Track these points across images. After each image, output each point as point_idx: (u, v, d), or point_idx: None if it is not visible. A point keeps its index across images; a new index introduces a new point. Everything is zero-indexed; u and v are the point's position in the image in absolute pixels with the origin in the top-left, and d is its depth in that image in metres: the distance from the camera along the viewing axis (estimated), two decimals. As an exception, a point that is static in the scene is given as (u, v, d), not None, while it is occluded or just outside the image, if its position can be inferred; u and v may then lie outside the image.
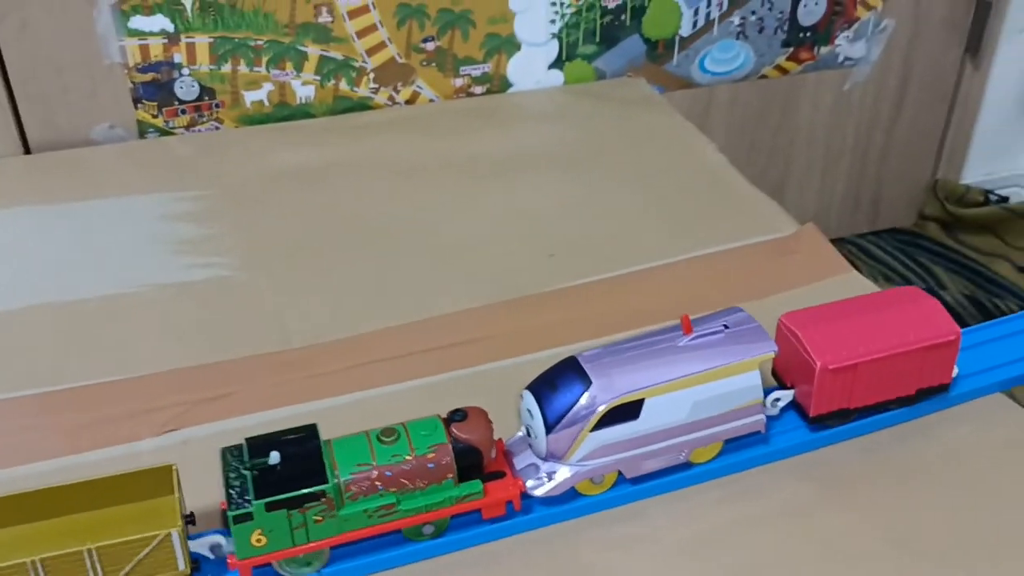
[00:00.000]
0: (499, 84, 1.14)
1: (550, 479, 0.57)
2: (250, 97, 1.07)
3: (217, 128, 1.08)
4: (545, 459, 0.57)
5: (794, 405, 0.63)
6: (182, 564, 0.51)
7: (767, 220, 0.89)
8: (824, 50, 1.26)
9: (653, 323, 0.75)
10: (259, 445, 0.53)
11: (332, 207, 0.93)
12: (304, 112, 1.10)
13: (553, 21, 1.12)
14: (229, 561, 0.53)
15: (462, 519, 0.57)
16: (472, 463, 0.55)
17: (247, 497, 0.51)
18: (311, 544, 0.53)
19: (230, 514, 0.51)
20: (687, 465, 0.60)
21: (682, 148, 1.02)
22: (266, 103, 1.08)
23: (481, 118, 1.09)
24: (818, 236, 0.86)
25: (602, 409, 0.55)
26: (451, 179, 0.97)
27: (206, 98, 1.06)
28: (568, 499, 0.58)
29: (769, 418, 0.61)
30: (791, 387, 0.63)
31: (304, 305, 0.79)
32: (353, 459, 0.53)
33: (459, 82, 1.13)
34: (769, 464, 0.62)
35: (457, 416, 0.55)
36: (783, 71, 1.27)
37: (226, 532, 0.53)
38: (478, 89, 1.14)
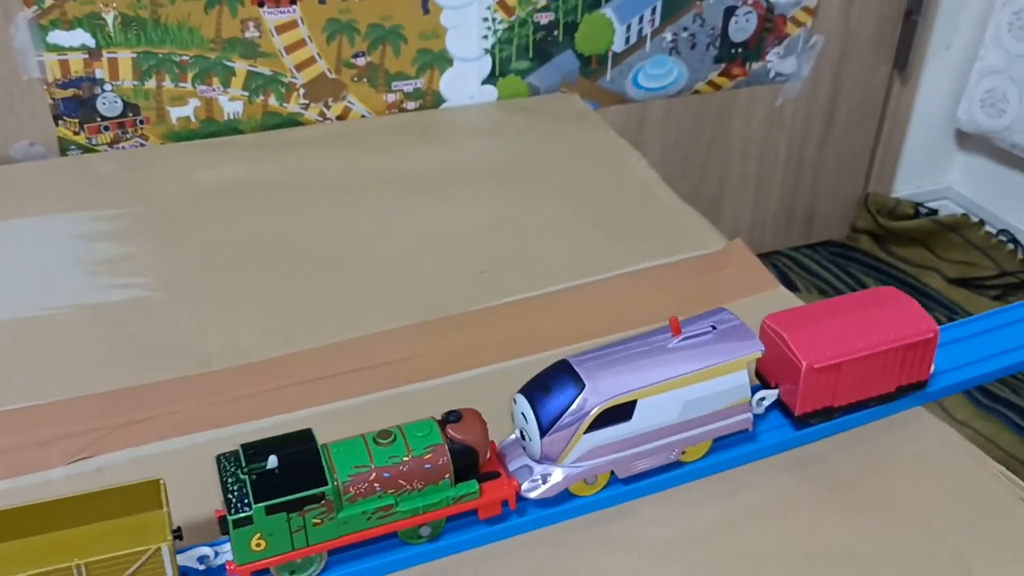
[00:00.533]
0: (432, 99, 1.13)
1: (544, 481, 0.57)
2: (176, 113, 1.05)
3: (142, 145, 1.05)
4: (539, 461, 0.57)
5: (778, 404, 0.64)
6: None
7: (697, 236, 0.89)
8: (756, 66, 1.28)
9: (586, 339, 0.76)
10: (255, 450, 0.52)
11: (260, 225, 0.91)
12: (232, 128, 1.08)
13: (485, 37, 1.12)
14: (228, 568, 0.52)
15: (457, 522, 0.57)
16: (468, 463, 0.55)
17: (246, 501, 0.50)
18: (310, 548, 0.53)
19: (230, 518, 0.50)
20: (677, 464, 0.61)
21: (615, 164, 1.02)
22: (193, 119, 1.06)
23: (414, 134, 1.08)
24: (746, 252, 0.86)
25: (595, 411, 0.56)
26: (383, 196, 0.96)
27: (130, 114, 1.03)
28: (562, 500, 0.59)
29: (754, 416, 0.62)
30: (775, 386, 0.64)
31: (227, 326, 0.77)
32: (351, 461, 0.53)
33: (391, 97, 1.12)
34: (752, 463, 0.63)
35: (452, 417, 0.56)
36: (716, 87, 1.28)
37: (214, 543, 0.53)
38: (411, 105, 1.13)
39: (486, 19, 1.11)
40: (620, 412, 0.57)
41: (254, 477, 0.51)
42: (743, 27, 1.24)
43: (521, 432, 0.58)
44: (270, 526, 0.51)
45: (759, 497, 0.61)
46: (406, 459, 0.53)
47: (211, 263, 0.85)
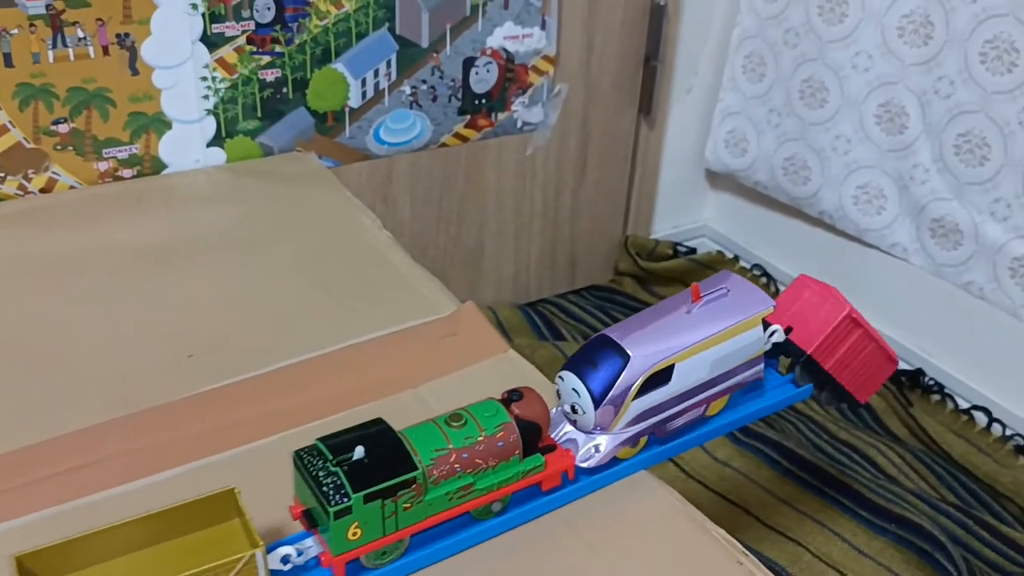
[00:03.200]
0: (152, 165, 1.05)
1: (598, 451, 0.61)
2: None
3: None
4: (590, 432, 0.60)
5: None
6: None
7: (428, 300, 0.85)
8: (502, 116, 1.26)
9: (304, 422, 0.70)
10: (337, 443, 0.53)
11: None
12: (-87, 208, 0.95)
13: (206, 97, 1.05)
14: (322, 560, 0.53)
15: (519, 495, 0.60)
16: (534, 438, 0.58)
17: (344, 491, 0.51)
18: (399, 532, 0.55)
19: (332, 509, 0.51)
20: (704, 420, 0.65)
21: (347, 227, 0.97)
22: None
23: (129, 204, 1.00)
24: (476, 315, 0.83)
25: (642, 379, 0.59)
26: (91, 274, 0.87)
27: None
28: (611, 464, 0.62)
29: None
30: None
31: None
32: (430, 445, 0.55)
33: (103, 166, 1.02)
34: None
35: (515, 396, 0.58)
36: (463, 139, 1.25)
37: (293, 542, 0.54)
38: (127, 172, 1.04)
39: (204, 78, 1.04)
40: (661, 377, 0.60)
41: (346, 468, 0.52)
42: (484, 78, 1.22)
43: (572, 407, 0.60)
44: (367, 514, 0.52)
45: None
46: (481, 439, 0.56)
47: None
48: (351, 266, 0.90)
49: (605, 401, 0.59)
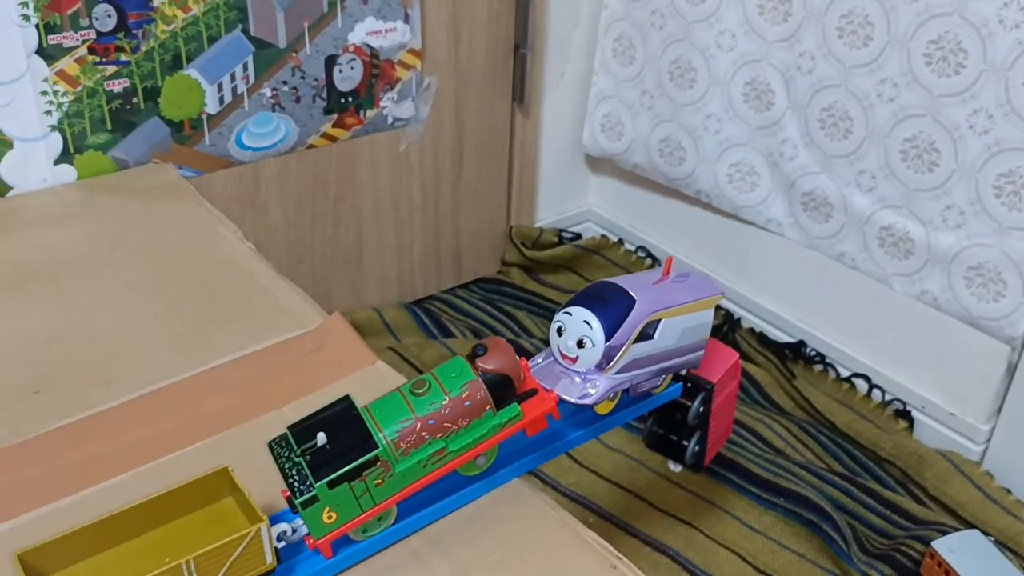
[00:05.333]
0: (-5, 188, 0.99)
1: (595, 388, 0.61)
2: None
3: None
4: (585, 376, 0.61)
5: None
6: (269, 557, 0.52)
7: (292, 315, 0.82)
8: (371, 113, 1.23)
9: (156, 458, 0.67)
10: (302, 430, 0.54)
11: None
12: None
13: (49, 112, 0.99)
14: (307, 543, 0.54)
15: (511, 445, 0.61)
16: (505, 391, 0.58)
17: (308, 482, 0.52)
18: (377, 506, 0.55)
19: (298, 501, 0.52)
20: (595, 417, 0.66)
21: (206, 240, 0.93)
22: None
23: (-30, 230, 0.94)
24: (344, 327, 0.80)
25: (643, 323, 0.61)
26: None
27: None
28: (593, 420, 0.65)
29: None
30: None
31: None
32: (394, 417, 0.55)
33: (-60, 192, 0.96)
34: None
35: (479, 351, 0.57)
36: (332, 139, 1.22)
37: (288, 516, 0.55)
38: (-33, 197, 0.98)
39: (45, 92, 0.98)
40: (648, 330, 0.62)
41: (308, 457, 0.53)
42: (349, 75, 1.19)
43: (580, 341, 0.60)
44: (336, 498, 0.53)
45: None
46: (446, 402, 0.55)
47: None
48: (209, 283, 0.87)
49: (615, 336, 0.60)
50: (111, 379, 0.74)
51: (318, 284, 1.30)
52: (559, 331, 0.61)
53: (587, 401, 0.61)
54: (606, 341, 0.60)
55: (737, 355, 0.73)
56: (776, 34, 1.18)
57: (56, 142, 1.01)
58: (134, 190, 1.01)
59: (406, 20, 1.21)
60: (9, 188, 1.00)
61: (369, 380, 0.75)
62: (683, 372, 0.70)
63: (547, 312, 1.41)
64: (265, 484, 0.56)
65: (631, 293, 0.62)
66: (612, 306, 0.61)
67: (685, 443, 0.73)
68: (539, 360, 0.63)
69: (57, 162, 1.02)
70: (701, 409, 0.72)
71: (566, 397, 0.61)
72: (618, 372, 0.62)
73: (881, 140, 1.11)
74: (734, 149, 1.28)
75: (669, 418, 0.73)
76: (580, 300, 0.62)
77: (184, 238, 0.93)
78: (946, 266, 1.10)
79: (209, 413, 0.71)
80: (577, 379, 0.61)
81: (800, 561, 1.02)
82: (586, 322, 0.60)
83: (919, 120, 1.07)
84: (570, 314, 0.61)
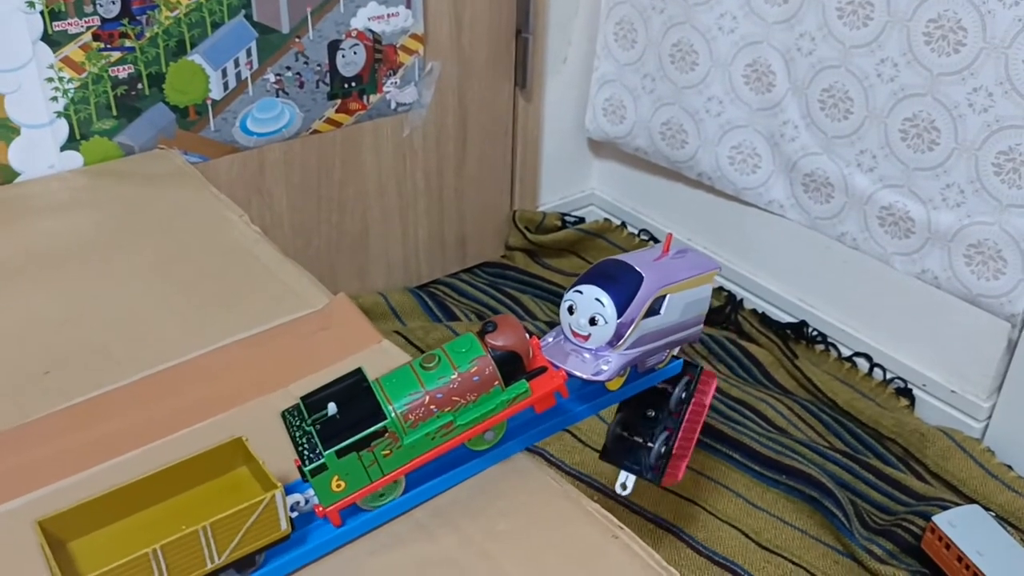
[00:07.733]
0: (2, 175, 1.00)
1: (608, 364, 0.61)
2: None
3: None
4: (596, 352, 0.62)
5: None
6: (284, 524, 0.53)
7: (298, 296, 0.83)
8: (374, 98, 1.24)
9: (168, 433, 0.68)
10: (314, 400, 0.56)
11: None
12: None
13: (55, 99, 1.00)
14: (317, 511, 0.56)
15: (517, 419, 0.62)
16: (513, 367, 0.59)
17: (317, 451, 0.54)
18: (386, 477, 0.56)
19: (306, 469, 0.54)
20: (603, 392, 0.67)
21: (213, 224, 0.94)
22: None
23: (-21, 217, 0.95)
24: (350, 307, 0.81)
25: (652, 299, 0.62)
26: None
27: None
28: (600, 393, 0.66)
29: None
30: None
31: None
32: (404, 390, 0.56)
33: (-52, 178, 0.97)
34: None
35: (489, 328, 0.59)
36: (336, 124, 1.22)
37: (301, 488, 0.56)
38: (-24, 183, 0.99)
39: (51, 79, 0.99)
40: (655, 305, 0.63)
41: (318, 427, 0.55)
42: (352, 60, 1.20)
43: (592, 319, 0.61)
44: (344, 467, 0.54)
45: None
46: (454, 377, 0.56)
47: None
48: (217, 266, 0.88)
49: (626, 313, 0.61)
50: (120, 360, 0.76)
51: (324, 268, 1.31)
52: (570, 310, 0.62)
53: (601, 377, 0.62)
54: (618, 318, 0.61)
55: (714, 374, 0.73)
56: (776, 15, 1.19)
57: (62, 128, 1.02)
58: (140, 176, 1.02)
59: (408, 5, 1.21)
60: (17, 174, 1.01)
61: (375, 359, 0.76)
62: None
63: (551, 295, 1.42)
64: (275, 459, 0.57)
65: (638, 270, 0.62)
66: (622, 283, 0.62)
67: (651, 444, 0.72)
68: (549, 339, 0.64)
69: (63, 148, 1.03)
70: (683, 395, 0.72)
71: (579, 374, 0.61)
72: (628, 348, 0.63)
73: (881, 120, 1.12)
74: (735, 131, 1.28)
75: (640, 413, 0.72)
76: (590, 278, 0.62)
77: (191, 223, 0.94)
78: (946, 244, 1.11)
79: (217, 392, 0.72)
80: (588, 356, 0.62)
81: (802, 537, 1.03)
82: (597, 300, 0.61)
83: (919, 99, 1.08)
84: (581, 292, 0.62)
